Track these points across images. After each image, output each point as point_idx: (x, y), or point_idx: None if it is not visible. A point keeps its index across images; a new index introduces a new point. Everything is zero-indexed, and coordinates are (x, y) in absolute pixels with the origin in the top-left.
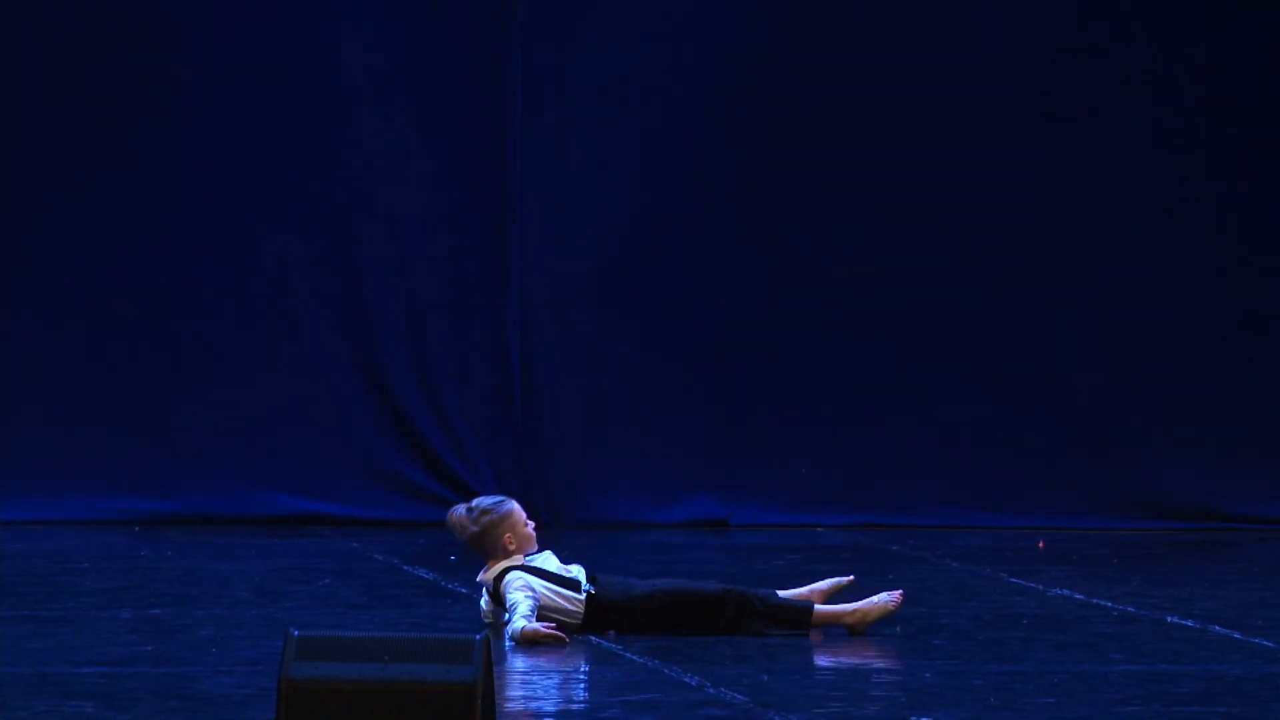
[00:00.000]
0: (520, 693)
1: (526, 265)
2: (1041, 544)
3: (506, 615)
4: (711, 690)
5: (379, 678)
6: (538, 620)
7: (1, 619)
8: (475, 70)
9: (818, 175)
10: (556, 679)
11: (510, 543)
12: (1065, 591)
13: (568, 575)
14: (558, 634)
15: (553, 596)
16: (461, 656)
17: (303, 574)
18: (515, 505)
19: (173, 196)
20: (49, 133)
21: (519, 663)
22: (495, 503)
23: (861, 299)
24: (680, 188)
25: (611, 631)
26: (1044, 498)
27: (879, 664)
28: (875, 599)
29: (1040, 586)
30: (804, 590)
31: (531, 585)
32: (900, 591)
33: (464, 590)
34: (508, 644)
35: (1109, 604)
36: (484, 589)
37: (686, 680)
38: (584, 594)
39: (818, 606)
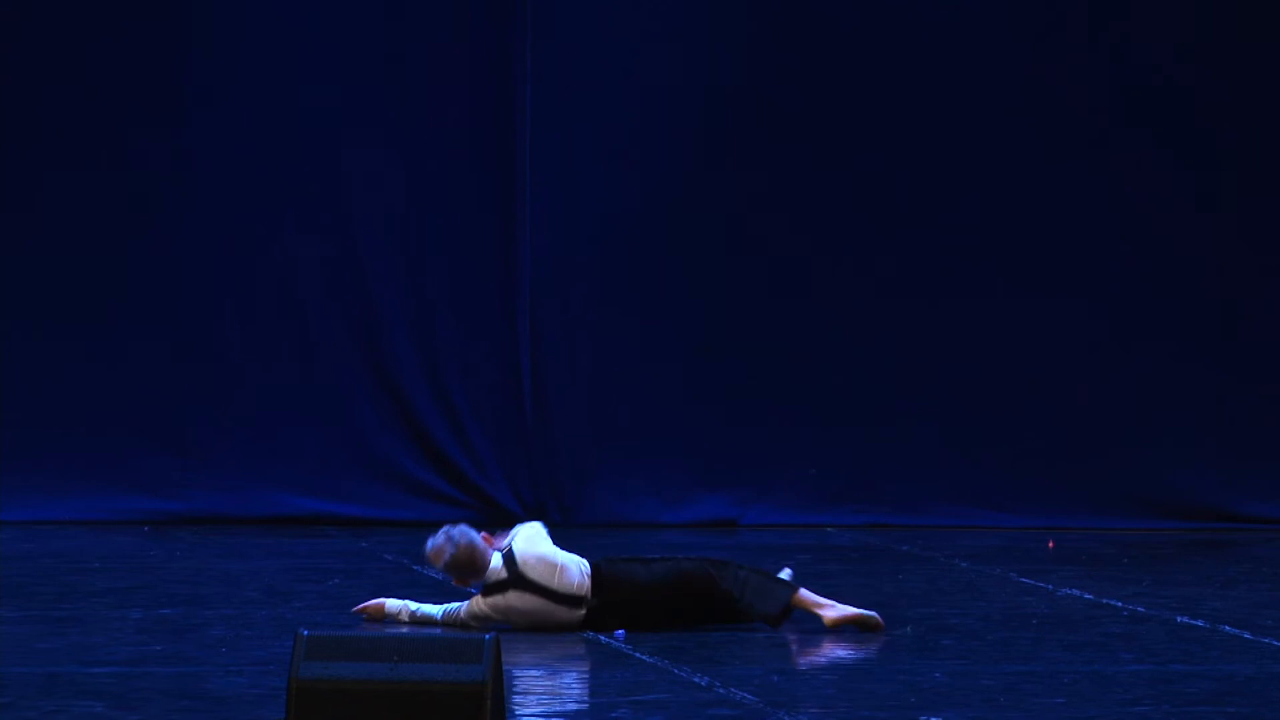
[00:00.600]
0: (530, 693)
1: (536, 265)
2: (1051, 544)
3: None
4: (721, 690)
5: (388, 677)
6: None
7: (12, 619)
8: (484, 69)
9: (823, 175)
10: (566, 679)
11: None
12: (1075, 591)
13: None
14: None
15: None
16: (471, 656)
17: (312, 574)
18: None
19: (181, 196)
20: (55, 131)
21: (529, 662)
22: (453, 539)
23: (872, 299)
24: (691, 188)
25: (620, 631)
26: (1053, 498)
27: (889, 664)
28: (862, 611)
29: (1050, 586)
30: (825, 602)
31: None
32: (879, 620)
33: (473, 591)
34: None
35: (1119, 604)
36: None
37: (696, 680)
38: (588, 573)
39: (801, 591)
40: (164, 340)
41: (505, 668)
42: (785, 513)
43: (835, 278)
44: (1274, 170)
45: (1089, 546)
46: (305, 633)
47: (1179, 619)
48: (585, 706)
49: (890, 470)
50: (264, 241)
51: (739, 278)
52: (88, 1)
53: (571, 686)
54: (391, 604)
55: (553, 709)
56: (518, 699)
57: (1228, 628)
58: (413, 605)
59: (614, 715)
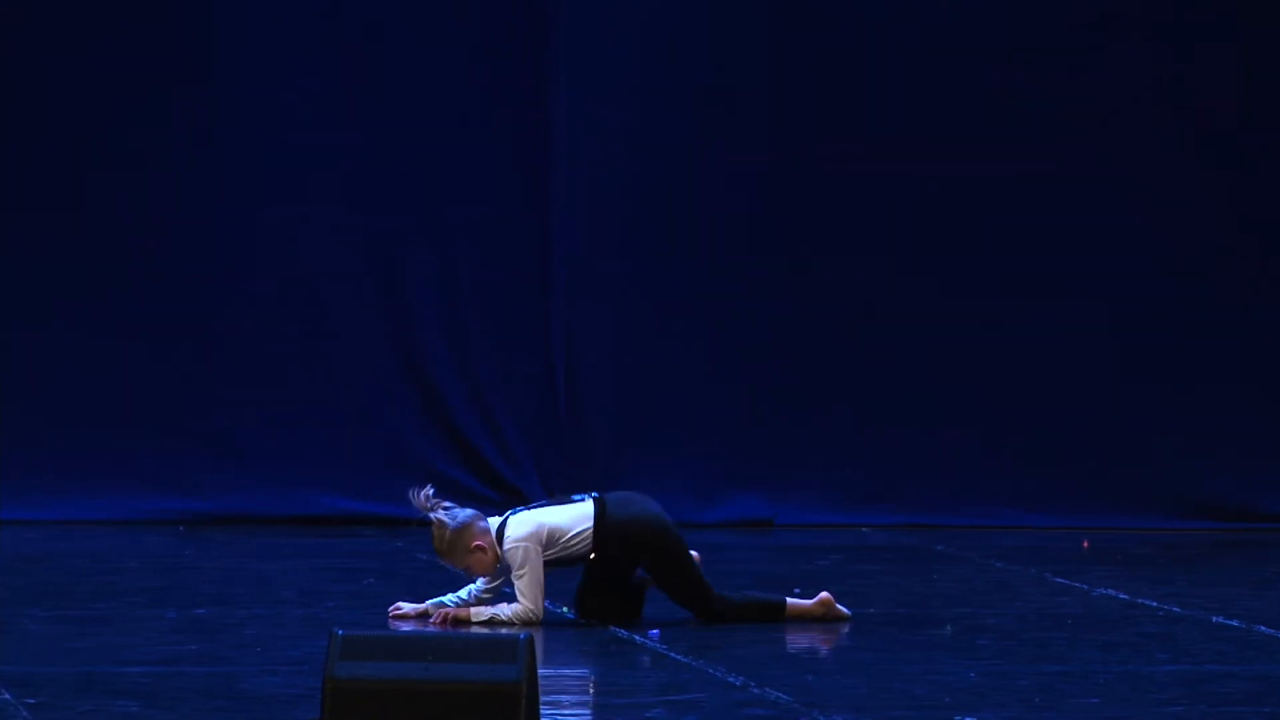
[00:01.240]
0: (565, 692)
1: (569, 263)
2: (1086, 544)
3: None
4: (756, 690)
5: (423, 677)
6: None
7: (46, 619)
8: (516, 60)
9: (858, 170)
10: (600, 678)
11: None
12: (1110, 591)
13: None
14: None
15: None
16: (506, 656)
17: (346, 573)
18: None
19: (210, 193)
20: (82, 131)
21: (563, 662)
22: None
23: (908, 300)
24: (728, 185)
25: (654, 631)
26: (1088, 497)
27: (923, 664)
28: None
29: (1085, 586)
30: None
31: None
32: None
33: (506, 590)
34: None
35: (1154, 604)
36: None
37: (731, 680)
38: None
39: (790, 600)
40: (195, 340)
41: (539, 667)
42: (820, 512)
43: (872, 281)
44: None
45: (1124, 546)
46: (340, 632)
47: (1214, 619)
48: (619, 704)
49: (925, 471)
50: (297, 239)
51: (775, 276)
52: (88, 2)
53: (606, 686)
54: (431, 604)
55: (587, 708)
56: (552, 698)
57: (1263, 628)
58: (449, 598)
59: (649, 715)
